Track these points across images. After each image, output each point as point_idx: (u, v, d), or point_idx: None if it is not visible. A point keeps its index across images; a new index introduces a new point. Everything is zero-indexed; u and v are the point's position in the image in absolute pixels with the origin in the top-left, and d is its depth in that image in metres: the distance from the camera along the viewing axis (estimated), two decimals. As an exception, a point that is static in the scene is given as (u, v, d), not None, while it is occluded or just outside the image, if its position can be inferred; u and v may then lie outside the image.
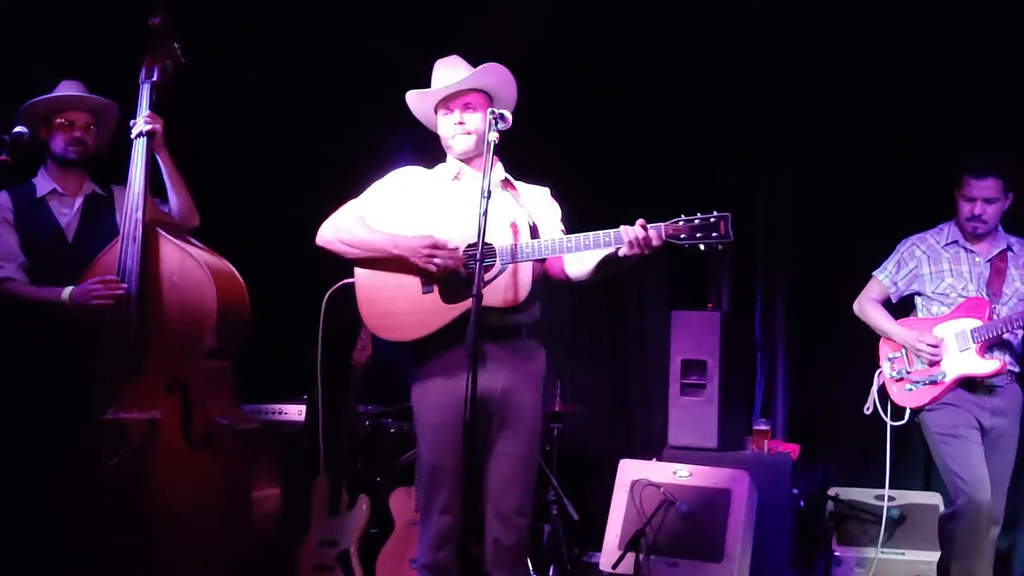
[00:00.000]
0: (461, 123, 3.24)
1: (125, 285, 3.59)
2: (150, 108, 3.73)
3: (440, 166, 3.37)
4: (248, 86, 5.25)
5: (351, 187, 3.38)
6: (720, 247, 2.89)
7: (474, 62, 3.32)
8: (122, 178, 3.86)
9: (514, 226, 3.11)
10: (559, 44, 5.20)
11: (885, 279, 4.20)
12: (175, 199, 3.83)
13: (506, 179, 3.33)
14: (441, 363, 3.12)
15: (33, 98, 3.79)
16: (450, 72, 3.29)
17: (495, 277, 3.05)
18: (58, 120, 3.80)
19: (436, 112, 3.32)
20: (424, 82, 3.35)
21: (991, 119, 4.71)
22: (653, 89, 5.38)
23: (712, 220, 2.87)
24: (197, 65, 3.89)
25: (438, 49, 3.41)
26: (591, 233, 2.98)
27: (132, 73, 3.78)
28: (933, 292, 4.07)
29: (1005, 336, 3.92)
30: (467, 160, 3.27)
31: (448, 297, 3.10)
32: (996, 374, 3.90)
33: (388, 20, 5.35)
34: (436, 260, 3.07)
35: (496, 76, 3.29)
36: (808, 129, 5.27)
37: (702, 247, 2.89)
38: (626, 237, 2.91)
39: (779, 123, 5.33)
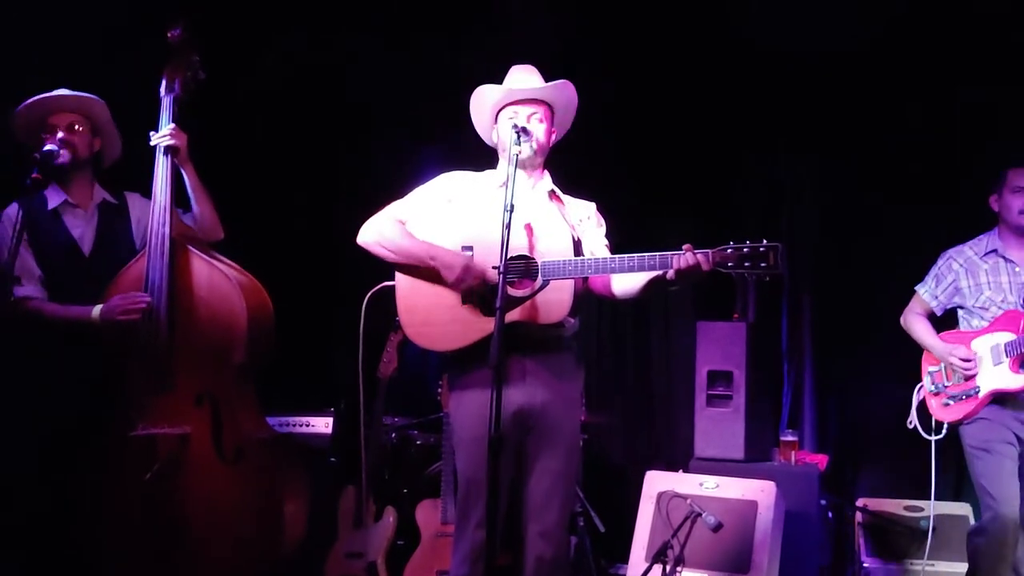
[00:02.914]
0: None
1: (148, 297, 3.58)
2: (172, 121, 3.71)
3: (489, 171, 3.36)
4: (269, 94, 5.29)
5: (374, 198, 3.39)
6: (768, 278, 2.85)
7: (500, 71, 3.35)
8: (133, 184, 3.86)
9: (557, 240, 3.10)
10: (580, 48, 5.22)
11: (926, 294, 4.18)
12: (200, 213, 3.81)
13: (553, 191, 3.34)
14: (479, 375, 3.09)
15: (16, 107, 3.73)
16: (528, 77, 3.31)
17: (536, 292, 3.02)
18: (47, 124, 3.71)
19: (498, 115, 3.31)
20: (449, 92, 3.35)
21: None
22: (678, 95, 5.38)
23: (762, 250, 2.82)
24: (218, 75, 3.89)
25: (460, 60, 3.43)
26: (636, 255, 2.96)
27: (153, 84, 3.77)
28: (973, 306, 4.04)
29: None
30: (521, 167, 3.20)
31: (487, 309, 3.07)
32: None
33: (411, 31, 5.40)
34: (465, 284, 3.07)
35: (568, 97, 3.32)
36: (833, 135, 5.24)
37: (748, 277, 2.85)
38: (673, 264, 2.88)
39: (804, 129, 5.32)
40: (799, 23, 4.95)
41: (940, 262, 4.17)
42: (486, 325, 3.05)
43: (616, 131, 5.39)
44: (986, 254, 4.06)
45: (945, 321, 4.21)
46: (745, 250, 2.84)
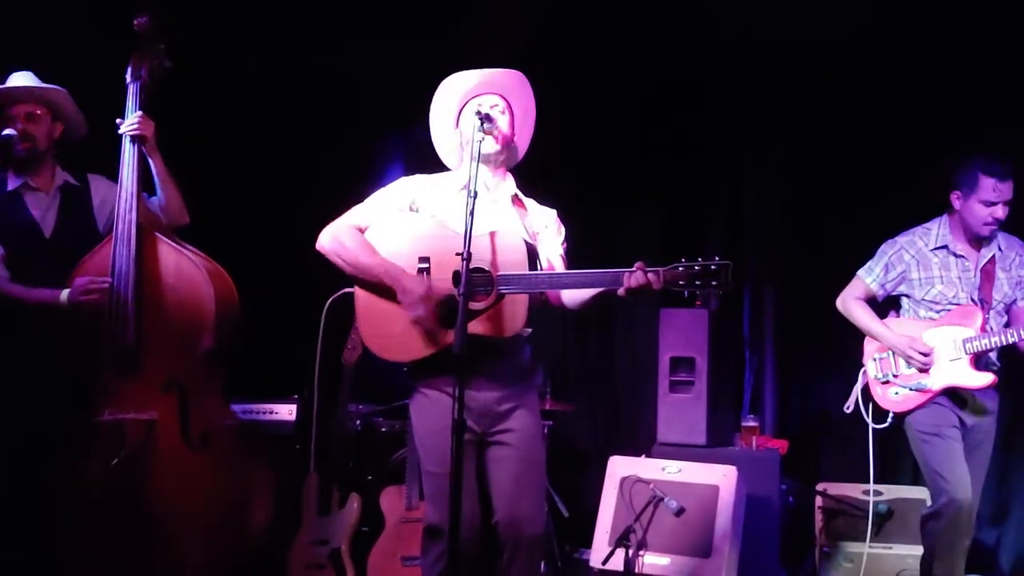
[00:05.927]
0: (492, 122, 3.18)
1: (108, 279, 3.57)
2: (139, 108, 3.70)
3: (450, 173, 3.34)
4: (242, 88, 5.26)
5: (341, 188, 3.39)
6: (720, 294, 2.88)
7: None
8: (96, 166, 3.84)
9: (514, 253, 3.08)
10: (546, 46, 5.22)
11: (872, 281, 4.12)
12: (165, 198, 3.80)
13: (516, 195, 3.32)
14: (440, 381, 3.09)
15: None
16: (486, 73, 3.28)
17: (491, 306, 3.02)
18: (7, 114, 3.69)
19: (460, 114, 3.29)
20: (416, 89, 3.34)
21: (985, 117, 4.75)
22: (642, 92, 5.41)
23: (713, 268, 2.84)
24: (189, 66, 3.86)
25: (432, 56, 3.41)
26: (588, 272, 2.98)
27: (120, 70, 3.75)
28: (922, 298, 4.01)
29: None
30: (484, 162, 3.17)
31: (445, 320, 3.04)
32: (989, 387, 3.89)
33: (380, 29, 5.38)
34: (413, 312, 3.03)
35: (526, 96, 3.30)
36: (797, 128, 5.30)
37: (699, 295, 2.86)
38: (625, 282, 2.89)
39: (768, 121, 5.37)
40: (773, 21, 5.01)
41: (890, 251, 4.10)
42: (444, 337, 3.04)
43: (582, 133, 5.41)
44: (937, 248, 4.01)
45: (882, 307, 4.22)
46: (696, 268, 2.85)
